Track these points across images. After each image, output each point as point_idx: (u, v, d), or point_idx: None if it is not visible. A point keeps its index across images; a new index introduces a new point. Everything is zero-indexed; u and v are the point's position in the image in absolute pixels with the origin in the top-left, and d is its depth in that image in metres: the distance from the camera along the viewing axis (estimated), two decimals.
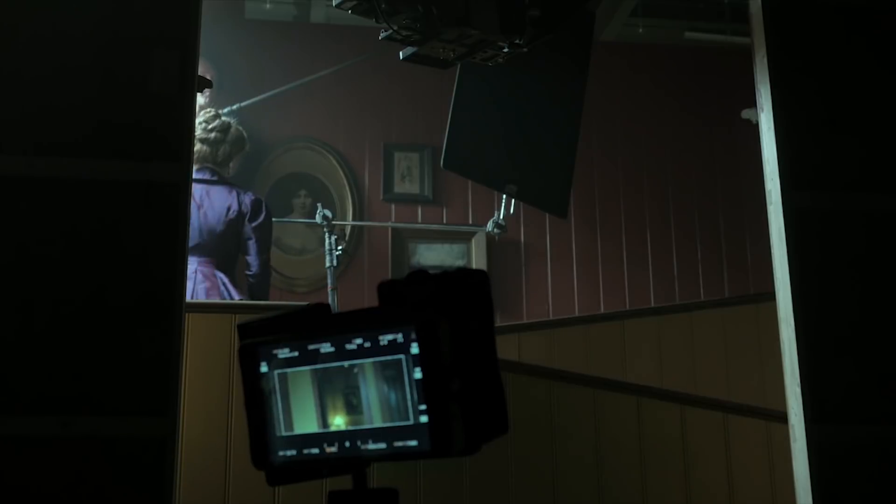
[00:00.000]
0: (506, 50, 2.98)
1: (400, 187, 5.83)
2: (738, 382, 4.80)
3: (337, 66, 5.63)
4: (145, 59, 2.46)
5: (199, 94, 2.63)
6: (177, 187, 2.41)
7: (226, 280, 3.85)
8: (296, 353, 1.06)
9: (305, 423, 1.05)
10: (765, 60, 2.78)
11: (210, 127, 4.07)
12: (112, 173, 2.41)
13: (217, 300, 3.77)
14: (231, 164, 4.14)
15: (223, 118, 4.17)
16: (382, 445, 1.00)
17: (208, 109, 4.23)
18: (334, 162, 5.75)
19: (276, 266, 5.61)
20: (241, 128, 4.21)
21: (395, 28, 2.83)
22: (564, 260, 5.88)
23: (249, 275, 3.98)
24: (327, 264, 4.41)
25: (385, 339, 0.99)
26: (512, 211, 5.04)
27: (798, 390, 2.57)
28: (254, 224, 3.92)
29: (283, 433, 1.07)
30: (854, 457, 2.55)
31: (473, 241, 5.77)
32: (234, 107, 5.25)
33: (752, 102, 2.91)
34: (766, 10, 2.81)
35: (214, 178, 3.99)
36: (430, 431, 0.97)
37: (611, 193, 6.03)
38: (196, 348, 3.04)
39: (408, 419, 0.98)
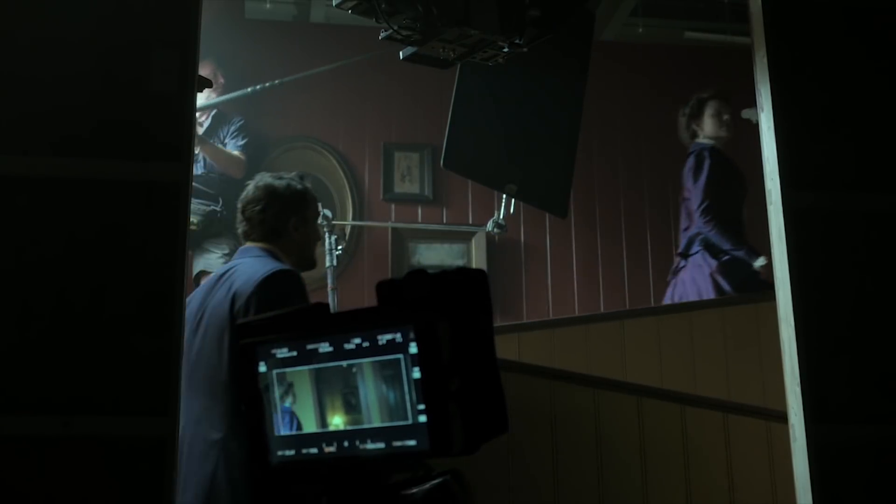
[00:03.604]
0: (506, 50, 2.97)
1: (400, 187, 5.83)
2: (738, 382, 4.79)
3: (335, 62, 5.63)
4: (145, 58, 2.46)
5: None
6: (177, 187, 2.40)
7: None
8: (294, 353, 1.06)
9: (304, 422, 1.05)
10: (765, 60, 2.78)
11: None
12: (112, 173, 2.40)
13: None
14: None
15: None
16: (381, 445, 1.00)
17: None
18: (334, 162, 5.75)
19: None
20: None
21: (395, 28, 2.82)
22: (564, 260, 5.87)
23: None
24: (327, 264, 4.40)
25: (384, 338, 0.99)
26: (512, 211, 5.04)
27: (798, 390, 2.57)
28: None
29: (282, 433, 1.07)
30: (854, 457, 2.55)
31: (473, 240, 5.77)
32: (217, 99, 5.26)
33: (752, 102, 2.91)
34: (766, 10, 2.80)
35: None
36: (429, 431, 0.97)
37: (611, 193, 6.03)
38: None
39: (406, 419, 0.98)
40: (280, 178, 2.79)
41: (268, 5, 5.73)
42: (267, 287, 2.46)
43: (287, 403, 1.05)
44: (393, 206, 5.80)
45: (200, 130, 5.30)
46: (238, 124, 5.36)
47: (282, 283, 2.49)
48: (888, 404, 2.60)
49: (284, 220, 2.72)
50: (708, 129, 4.99)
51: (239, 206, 2.77)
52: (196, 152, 5.27)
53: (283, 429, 1.08)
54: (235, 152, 5.30)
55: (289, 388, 1.07)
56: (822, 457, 2.52)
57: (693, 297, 4.86)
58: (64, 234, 2.35)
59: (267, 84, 5.44)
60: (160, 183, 2.40)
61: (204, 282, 2.76)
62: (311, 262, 2.87)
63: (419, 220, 5.78)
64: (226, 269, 2.67)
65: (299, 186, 2.78)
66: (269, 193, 2.73)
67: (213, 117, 5.36)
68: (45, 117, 2.42)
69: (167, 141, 2.43)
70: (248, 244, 2.72)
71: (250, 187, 2.77)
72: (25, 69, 2.43)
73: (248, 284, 2.49)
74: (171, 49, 2.47)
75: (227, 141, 5.33)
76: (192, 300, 2.69)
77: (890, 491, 2.54)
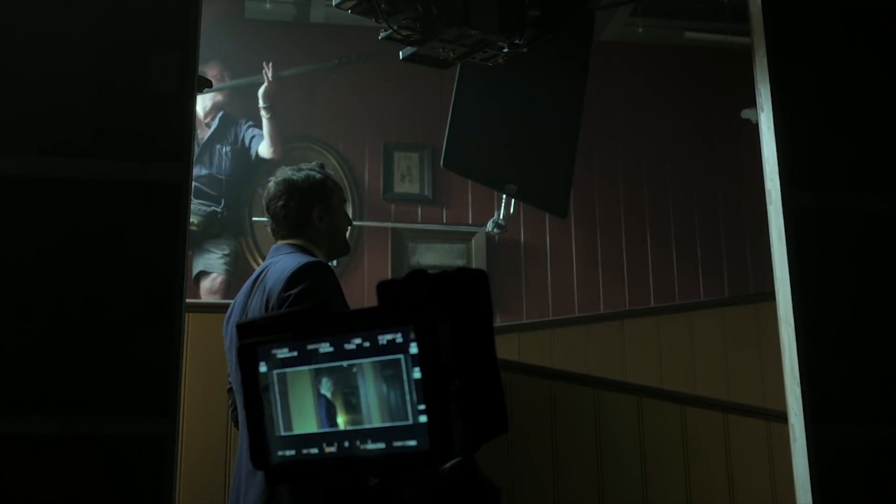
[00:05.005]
0: (506, 50, 2.98)
1: (400, 187, 5.83)
2: (738, 382, 4.80)
3: (332, 62, 5.64)
4: (145, 59, 2.46)
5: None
6: (177, 187, 2.41)
7: None
8: (295, 353, 1.06)
9: (304, 423, 1.05)
10: (765, 60, 2.78)
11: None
12: (112, 174, 2.41)
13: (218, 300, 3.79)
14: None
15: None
16: (381, 445, 1.00)
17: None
18: (334, 162, 5.75)
19: None
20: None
21: (395, 28, 2.83)
22: (564, 260, 5.88)
23: None
24: None
25: (384, 338, 0.99)
26: (512, 211, 5.05)
27: (798, 390, 2.57)
28: None
29: (283, 433, 1.07)
30: (854, 456, 2.55)
31: (473, 241, 5.77)
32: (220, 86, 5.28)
33: (751, 102, 2.91)
34: (766, 10, 2.81)
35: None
36: (429, 431, 0.97)
37: (610, 193, 6.03)
38: (196, 348, 3.04)
39: (407, 419, 0.98)
40: (299, 169, 2.76)
41: (268, 5, 5.73)
42: (295, 283, 2.44)
43: (323, 390, 1.05)
44: (393, 206, 5.80)
45: (208, 132, 5.31)
46: (248, 123, 5.39)
47: (309, 277, 2.45)
48: (887, 404, 2.60)
49: (307, 211, 2.68)
50: None
51: (264, 204, 2.75)
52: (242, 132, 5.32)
53: (283, 429, 1.08)
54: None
55: (289, 389, 1.07)
56: (821, 456, 2.52)
57: None
58: (64, 234, 2.36)
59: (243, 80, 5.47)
60: (160, 183, 2.40)
61: (242, 287, 2.71)
62: (343, 249, 2.82)
63: (419, 220, 5.78)
64: (260, 270, 2.65)
65: (318, 175, 2.73)
66: (289, 187, 2.70)
67: (220, 119, 5.36)
68: (45, 118, 2.42)
69: (167, 141, 2.44)
70: (280, 242, 2.69)
71: (271, 184, 2.75)
72: (26, 70, 2.43)
73: (278, 283, 2.47)
74: (171, 50, 2.47)
75: (245, 136, 5.36)
76: (234, 309, 2.66)
77: (889, 490, 2.55)
